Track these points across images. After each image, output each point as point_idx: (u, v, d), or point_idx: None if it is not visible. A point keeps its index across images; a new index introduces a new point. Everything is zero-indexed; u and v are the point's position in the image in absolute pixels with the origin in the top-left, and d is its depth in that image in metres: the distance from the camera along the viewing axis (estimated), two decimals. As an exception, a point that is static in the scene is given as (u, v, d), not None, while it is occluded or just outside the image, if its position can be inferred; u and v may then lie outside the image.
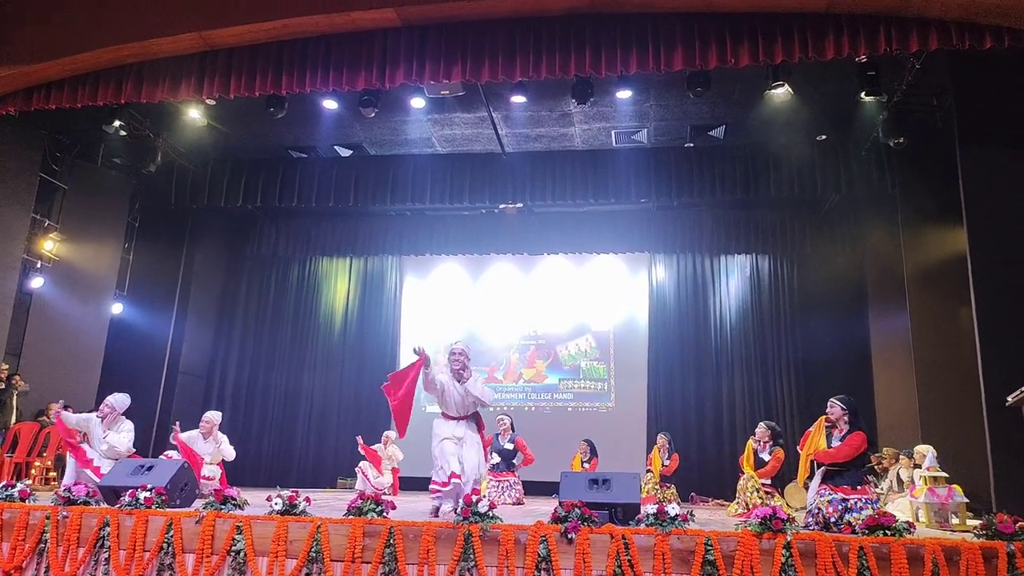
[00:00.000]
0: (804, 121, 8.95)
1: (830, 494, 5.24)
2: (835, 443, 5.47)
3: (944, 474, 6.23)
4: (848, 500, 5.11)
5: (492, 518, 4.57)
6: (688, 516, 4.56)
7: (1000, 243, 6.97)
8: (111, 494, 5.41)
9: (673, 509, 4.50)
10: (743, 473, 7.75)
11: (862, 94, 7.86)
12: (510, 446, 8.72)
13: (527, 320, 12.62)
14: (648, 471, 9.09)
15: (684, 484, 9.76)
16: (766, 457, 7.65)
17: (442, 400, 5.98)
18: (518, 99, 8.66)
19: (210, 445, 7.66)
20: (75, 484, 5.45)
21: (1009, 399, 5.50)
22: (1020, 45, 6.16)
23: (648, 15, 6.70)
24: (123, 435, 6.74)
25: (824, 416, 5.65)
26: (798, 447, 5.89)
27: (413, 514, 5.17)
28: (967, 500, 6.08)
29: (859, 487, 5.28)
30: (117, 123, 8.94)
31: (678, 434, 10.61)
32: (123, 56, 7.42)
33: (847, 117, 9.09)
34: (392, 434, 10.11)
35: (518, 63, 6.89)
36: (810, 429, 5.77)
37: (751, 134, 9.71)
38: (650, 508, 4.57)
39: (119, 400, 6.92)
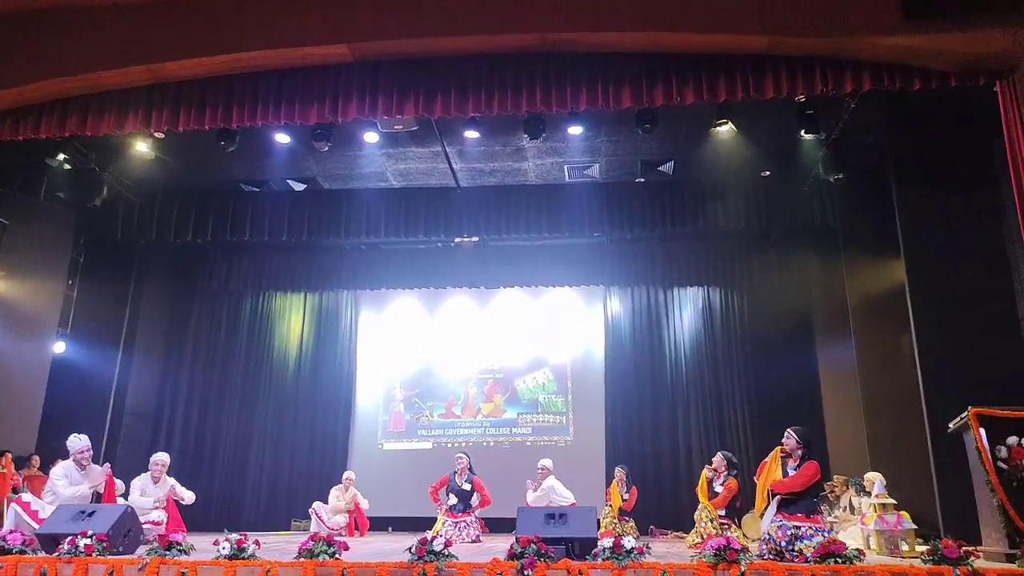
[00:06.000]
0: (748, 157, 9.22)
1: (783, 522, 5.31)
2: (790, 472, 5.56)
3: (892, 501, 6.37)
4: (800, 528, 5.17)
5: (448, 556, 4.51)
6: (644, 549, 4.57)
7: (937, 274, 7.27)
8: (49, 542, 5.16)
9: (629, 542, 4.50)
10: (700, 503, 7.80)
11: (802, 132, 8.17)
12: (468, 486, 8.54)
13: (484, 354, 12.57)
14: (608, 505, 9.08)
15: (643, 516, 9.75)
16: (719, 488, 7.71)
17: None
18: (471, 134, 8.74)
19: (160, 489, 7.38)
20: (11, 532, 5.19)
21: (951, 426, 5.67)
22: (947, 86, 6.49)
23: (597, 54, 6.88)
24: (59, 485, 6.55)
25: (780, 447, 5.74)
26: (755, 477, 5.96)
27: (367, 554, 5.05)
28: (916, 526, 6.22)
29: (812, 516, 5.37)
30: (61, 156, 8.75)
31: (636, 466, 10.62)
32: (68, 88, 7.25)
33: (789, 153, 9.41)
34: (352, 475, 9.90)
35: (471, 99, 6.98)
36: (766, 460, 5.84)
37: (699, 169, 9.96)
38: (606, 542, 4.56)
39: (84, 441, 6.72)
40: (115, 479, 6.91)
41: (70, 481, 6.53)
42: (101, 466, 7.00)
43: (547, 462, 8.99)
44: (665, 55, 6.81)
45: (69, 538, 4.91)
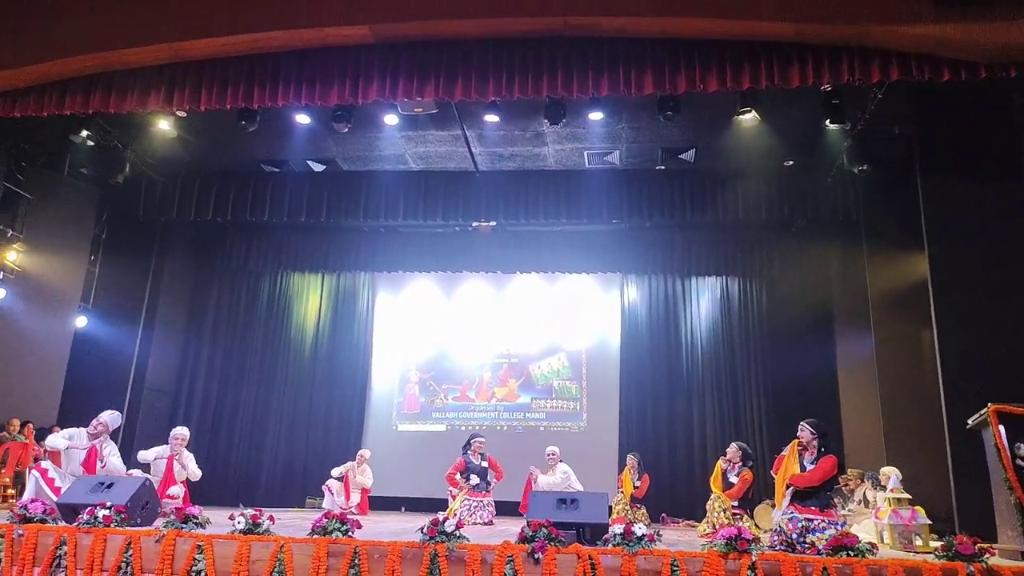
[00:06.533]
0: (772, 146, 9.10)
1: (794, 514, 5.29)
2: (807, 466, 5.50)
3: (907, 496, 6.31)
4: (813, 521, 5.15)
5: (459, 538, 4.54)
6: (655, 536, 4.58)
7: (960, 268, 7.15)
8: (69, 512, 5.27)
9: (640, 529, 4.51)
10: (713, 493, 7.80)
11: (827, 122, 8.04)
12: (485, 464, 8.86)
13: (500, 338, 12.59)
14: (620, 492, 9.12)
15: (655, 504, 9.76)
16: (734, 479, 7.69)
17: None
18: (491, 118, 8.70)
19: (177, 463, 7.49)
20: (32, 501, 5.30)
21: (970, 422, 5.61)
22: (976, 78, 6.36)
23: (620, 39, 6.81)
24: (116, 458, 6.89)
25: (796, 440, 5.68)
26: (772, 471, 5.89)
27: (379, 533, 5.10)
28: (930, 522, 6.16)
29: (825, 510, 5.33)
30: (84, 133, 8.81)
31: (650, 454, 10.64)
32: (91, 66, 7.32)
33: (813, 144, 9.29)
34: (367, 453, 10.02)
35: (491, 82, 6.95)
36: (783, 453, 5.76)
37: (721, 158, 9.86)
38: (617, 528, 4.57)
39: (113, 418, 6.95)
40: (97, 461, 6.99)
41: (70, 441, 6.73)
42: (113, 443, 7.12)
43: (556, 448, 9.13)
44: (689, 41, 6.73)
45: (88, 508, 5.01)
